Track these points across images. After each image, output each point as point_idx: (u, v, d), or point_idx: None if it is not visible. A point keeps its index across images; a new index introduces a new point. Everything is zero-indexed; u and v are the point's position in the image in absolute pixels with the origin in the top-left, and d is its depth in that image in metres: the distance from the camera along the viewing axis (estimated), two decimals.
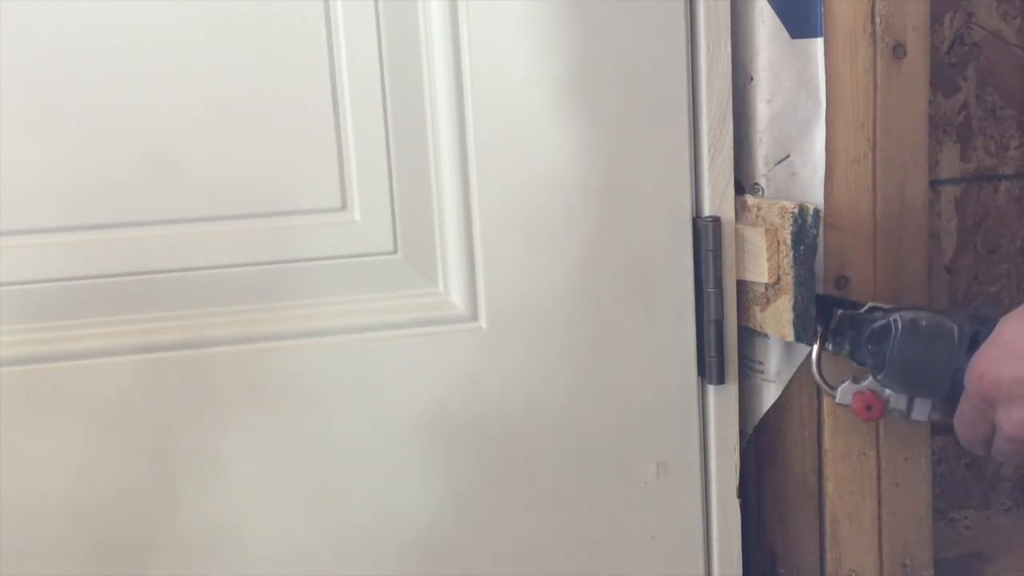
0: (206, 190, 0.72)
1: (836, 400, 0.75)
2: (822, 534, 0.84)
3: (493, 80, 0.72)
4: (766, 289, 0.76)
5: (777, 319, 0.76)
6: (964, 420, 0.68)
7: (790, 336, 0.75)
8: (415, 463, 0.76)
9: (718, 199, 0.76)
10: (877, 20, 0.75)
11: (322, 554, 0.76)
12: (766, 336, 0.79)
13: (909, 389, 0.73)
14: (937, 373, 0.70)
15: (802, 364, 0.80)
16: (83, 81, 0.69)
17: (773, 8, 0.75)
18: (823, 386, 0.76)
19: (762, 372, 0.81)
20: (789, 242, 0.73)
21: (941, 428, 0.97)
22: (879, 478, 0.82)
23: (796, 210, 0.73)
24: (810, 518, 0.84)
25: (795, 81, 0.75)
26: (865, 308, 0.74)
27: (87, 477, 0.73)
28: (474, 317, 0.75)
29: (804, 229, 0.73)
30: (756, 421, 0.82)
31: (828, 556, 0.84)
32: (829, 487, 0.82)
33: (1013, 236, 0.95)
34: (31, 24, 0.68)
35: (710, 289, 0.76)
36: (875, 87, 0.76)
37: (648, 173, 0.75)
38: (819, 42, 0.75)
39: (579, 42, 0.73)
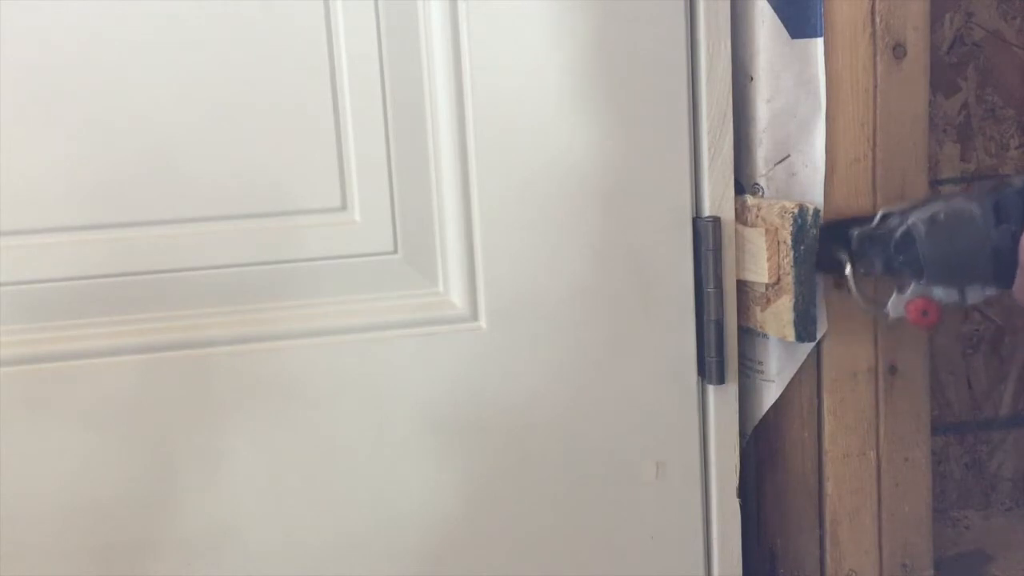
0: (206, 190, 0.72)
1: (890, 316, 0.73)
2: (822, 534, 0.84)
3: (493, 80, 0.72)
4: (766, 289, 0.76)
5: (777, 319, 0.76)
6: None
7: (791, 336, 0.75)
8: (415, 463, 0.76)
9: (718, 199, 0.76)
10: (877, 20, 0.75)
11: (322, 554, 0.76)
12: (766, 336, 0.79)
13: (955, 281, 0.71)
14: (976, 256, 0.68)
15: (803, 364, 0.80)
16: (83, 81, 0.69)
17: (773, 8, 0.75)
18: (870, 309, 0.75)
19: (762, 372, 0.81)
20: (789, 242, 0.73)
21: (941, 428, 0.98)
22: (879, 478, 0.82)
23: (796, 210, 0.73)
24: (810, 518, 0.84)
25: (795, 81, 0.75)
26: (877, 220, 0.73)
27: (87, 477, 0.73)
28: (474, 317, 0.75)
29: (804, 229, 0.73)
30: (756, 421, 0.82)
31: (828, 556, 0.84)
32: (829, 487, 0.82)
33: None
34: (31, 24, 0.68)
35: (710, 289, 0.76)
36: (875, 87, 0.76)
37: (648, 173, 0.75)
38: (819, 42, 0.75)
39: (579, 42, 0.73)
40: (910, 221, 0.70)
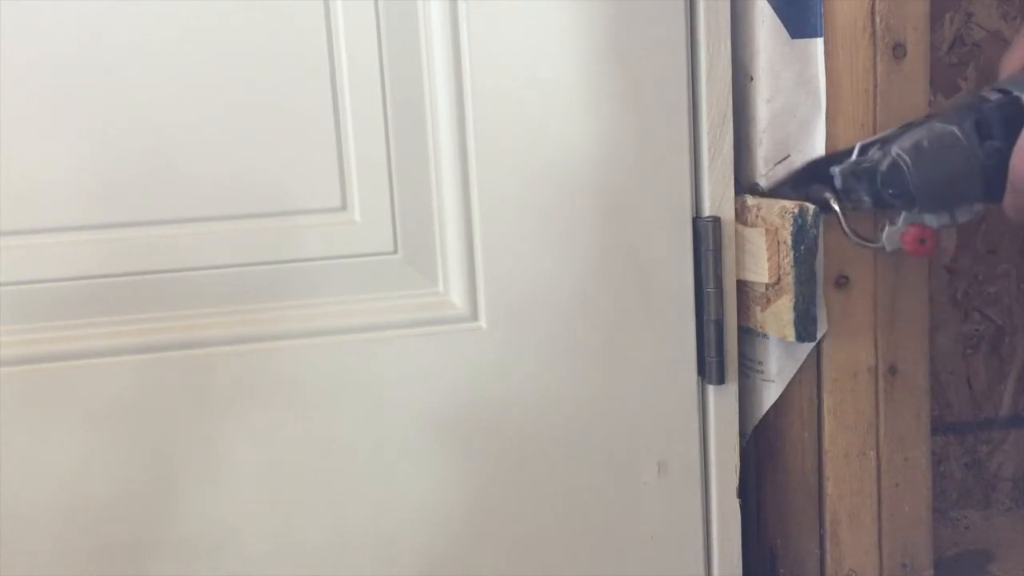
0: (206, 190, 0.72)
1: (887, 250, 0.73)
2: (822, 534, 0.84)
3: (493, 80, 0.72)
4: (766, 289, 0.76)
5: (777, 319, 0.76)
6: (1016, 206, 0.67)
7: (791, 336, 0.75)
8: (415, 462, 0.76)
9: (718, 199, 0.76)
10: (877, 20, 0.75)
11: (322, 554, 0.76)
12: (766, 336, 0.79)
13: (946, 206, 0.70)
14: (965, 179, 0.68)
15: (803, 364, 0.80)
16: (83, 81, 0.69)
17: (773, 8, 0.75)
18: (863, 243, 0.74)
19: (762, 372, 0.81)
20: (789, 242, 0.73)
21: (941, 428, 0.98)
22: (879, 478, 0.82)
23: (796, 210, 0.73)
24: (810, 518, 0.84)
25: (795, 81, 0.75)
26: (856, 152, 0.73)
27: (87, 477, 0.73)
28: (474, 317, 0.75)
29: (804, 229, 0.73)
30: (756, 421, 0.82)
31: (828, 556, 0.84)
32: (829, 487, 0.82)
33: (1013, 236, 0.95)
34: (31, 24, 0.68)
35: (710, 289, 0.76)
36: (875, 87, 0.76)
37: (648, 173, 0.75)
38: (819, 42, 0.75)
39: (579, 42, 0.73)
40: (894, 152, 0.69)
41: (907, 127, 0.71)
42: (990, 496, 1.01)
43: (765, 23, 0.75)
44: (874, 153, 0.71)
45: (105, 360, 0.72)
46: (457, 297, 0.75)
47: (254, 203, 0.73)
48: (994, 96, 0.67)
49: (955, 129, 0.68)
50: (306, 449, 0.75)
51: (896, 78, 0.76)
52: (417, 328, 0.75)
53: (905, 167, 0.69)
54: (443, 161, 0.74)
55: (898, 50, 0.76)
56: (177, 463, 0.74)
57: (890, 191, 0.70)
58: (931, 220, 0.71)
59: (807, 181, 0.74)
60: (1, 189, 0.70)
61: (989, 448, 1.00)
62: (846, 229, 0.74)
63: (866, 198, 0.72)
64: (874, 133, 0.76)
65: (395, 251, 0.75)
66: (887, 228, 0.73)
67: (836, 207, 0.73)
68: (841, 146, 0.76)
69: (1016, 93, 0.66)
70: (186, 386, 0.73)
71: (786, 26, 0.75)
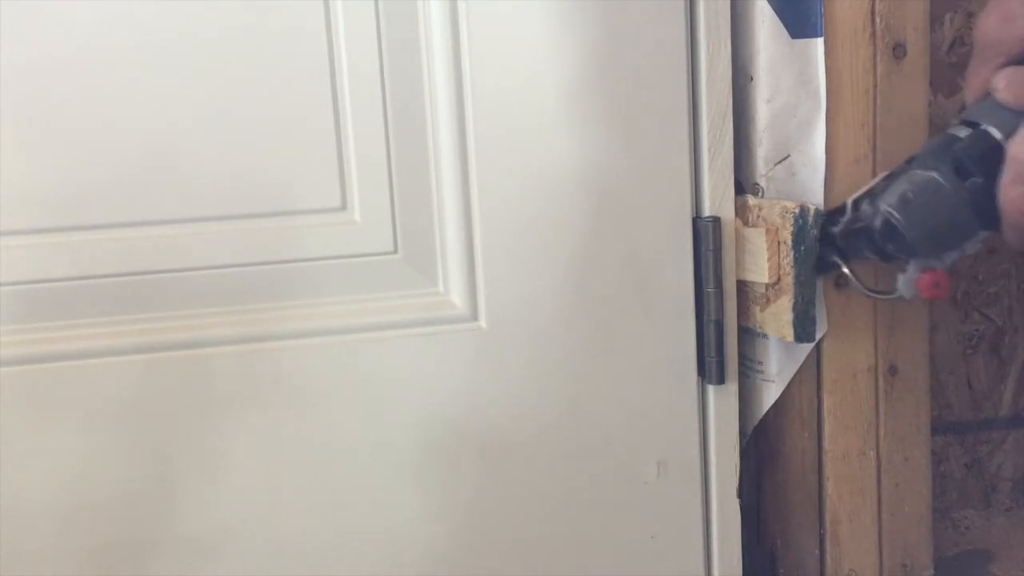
0: (206, 190, 0.72)
1: (906, 298, 0.73)
2: (822, 534, 0.84)
3: (493, 80, 0.72)
4: (766, 289, 0.76)
5: (777, 319, 0.76)
6: (1017, 239, 0.67)
7: (790, 336, 0.75)
8: (415, 462, 0.76)
9: (718, 199, 0.76)
10: (877, 20, 0.75)
11: (322, 554, 0.76)
12: (766, 336, 0.79)
13: (949, 246, 0.70)
14: (958, 219, 0.68)
15: (803, 364, 0.80)
16: (83, 81, 0.69)
17: (773, 8, 0.75)
18: (880, 297, 0.75)
19: (762, 372, 0.81)
20: (790, 242, 0.73)
21: (941, 428, 0.98)
22: (879, 478, 0.82)
23: (797, 211, 0.73)
24: (810, 518, 0.84)
25: (795, 81, 0.75)
26: (849, 209, 0.73)
27: (87, 477, 0.73)
28: (474, 317, 0.75)
29: (805, 230, 0.73)
30: (756, 421, 0.82)
31: (828, 556, 0.84)
32: (829, 487, 0.82)
33: None
34: (31, 25, 0.68)
35: (710, 289, 0.76)
36: (875, 87, 0.76)
37: (648, 173, 0.75)
38: (819, 42, 0.75)
39: (579, 42, 0.73)
40: (883, 209, 0.70)
41: (890, 177, 0.71)
42: (990, 496, 1.01)
43: (765, 23, 0.75)
44: (865, 209, 0.71)
45: (105, 360, 0.72)
46: (457, 297, 0.75)
47: (254, 203, 0.73)
48: (964, 132, 0.67)
49: (935, 174, 0.68)
50: (306, 449, 0.75)
51: (896, 78, 0.76)
52: (417, 328, 0.75)
53: (896, 222, 0.69)
54: (443, 161, 0.74)
55: (898, 50, 0.76)
56: (177, 463, 0.74)
57: (890, 246, 0.71)
58: (939, 262, 0.71)
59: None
60: (1, 189, 0.70)
61: (989, 448, 1.00)
62: (860, 287, 0.74)
63: (870, 254, 0.72)
64: (874, 133, 0.76)
65: (395, 251, 0.75)
66: (900, 277, 0.73)
67: (845, 269, 0.74)
68: (840, 149, 0.76)
69: (984, 125, 0.66)
70: (186, 386, 0.73)
71: (786, 26, 0.75)
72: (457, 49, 0.72)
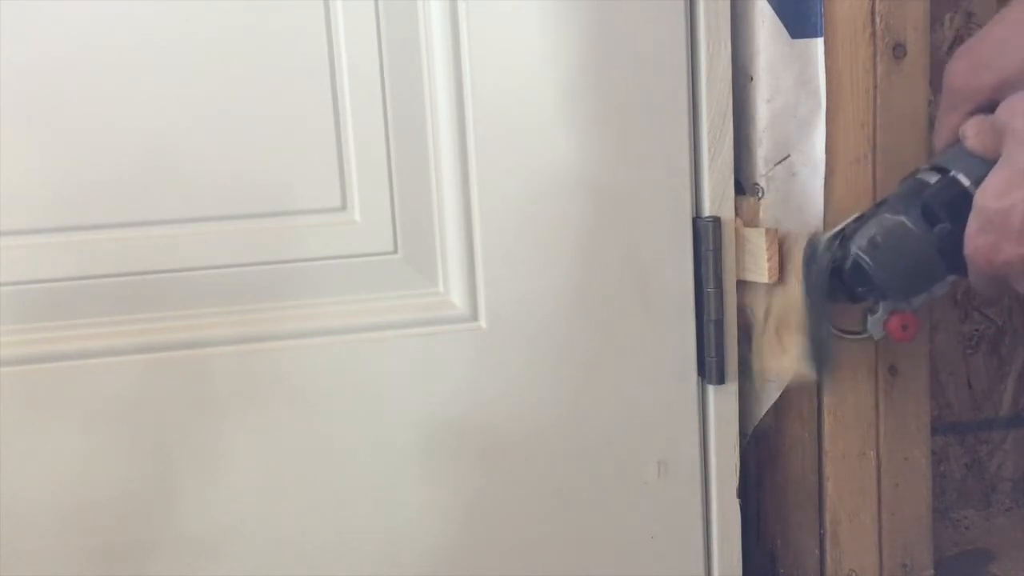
0: (206, 190, 0.72)
1: (875, 339, 0.75)
2: (822, 534, 0.84)
3: (493, 80, 0.72)
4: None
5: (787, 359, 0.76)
6: (982, 285, 0.68)
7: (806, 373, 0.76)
8: (415, 462, 0.76)
9: (718, 199, 0.76)
10: (877, 20, 0.75)
11: (322, 554, 0.76)
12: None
13: (917, 289, 0.71)
14: (925, 264, 0.69)
15: None
16: (83, 81, 0.69)
17: (773, 8, 0.75)
18: (852, 338, 0.76)
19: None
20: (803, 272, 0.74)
21: (941, 428, 0.98)
22: (879, 478, 0.82)
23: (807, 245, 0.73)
24: (810, 518, 0.84)
25: (795, 81, 0.75)
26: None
27: (87, 477, 0.73)
28: (474, 317, 0.75)
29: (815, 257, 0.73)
30: (756, 421, 0.82)
31: (828, 556, 0.84)
32: (829, 487, 0.82)
33: None
34: (32, 25, 0.68)
35: (710, 289, 0.76)
36: (875, 87, 0.76)
37: (648, 173, 0.75)
38: (819, 42, 0.75)
39: (579, 42, 0.73)
40: (853, 251, 0.71)
41: (861, 219, 0.72)
42: (990, 496, 1.01)
43: (765, 23, 0.75)
44: (835, 250, 0.72)
45: (105, 360, 0.72)
46: (457, 297, 0.75)
47: (254, 203, 0.73)
48: (933, 178, 0.68)
49: (904, 219, 0.69)
50: (306, 449, 0.75)
51: (896, 78, 0.76)
52: (417, 328, 0.75)
53: (866, 265, 0.70)
54: (443, 161, 0.74)
55: (898, 50, 0.76)
56: (177, 463, 0.74)
57: (859, 289, 0.71)
58: (908, 304, 0.73)
59: None
60: (1, 189, 0.70)
61: (989, 448, 1.00)
62: (832, 328, 0.75)
63: (841, 295, 0.73)
64: (874, 133, 0.76)
65: (395, 251, 0.75)
66: (870, 319, 0.74)
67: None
68: (840, 147, 0.76)
69: (952, 172, 0.67)
70: (186, 386, 0.73)
71: (786, 26, 0.75)
72: (457, 49, 0.72)
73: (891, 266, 0.69)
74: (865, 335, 0.75)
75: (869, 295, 0.72)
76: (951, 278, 0.70)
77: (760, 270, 0.76)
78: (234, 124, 0.71)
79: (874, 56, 0.76)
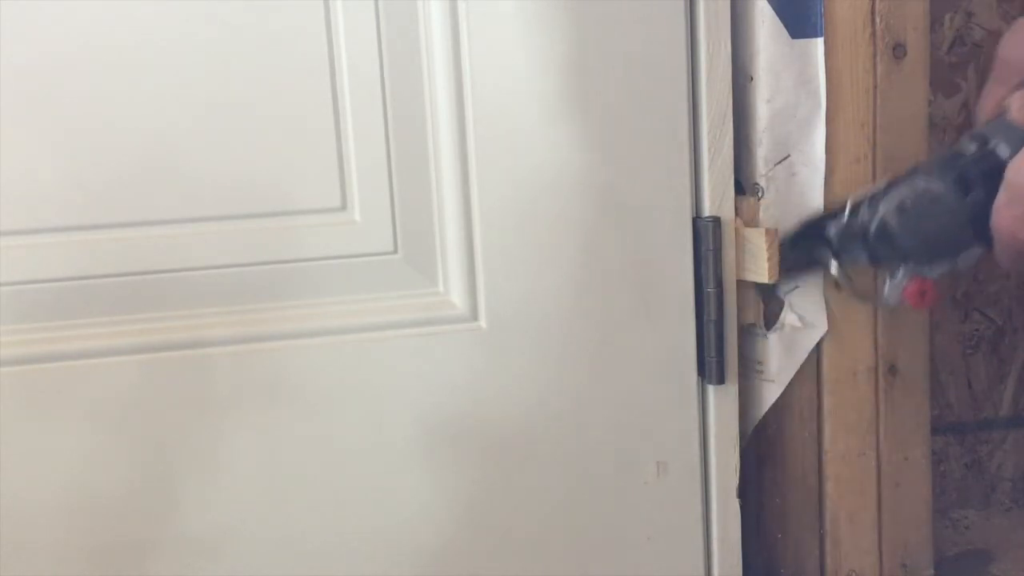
0: (206, 190, 0.72)
1: (890, 305, 0.74)
2: (822, 534, 0.84)
3: (493, 80, 0.72)
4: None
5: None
6: (1008, 260, 0.67)
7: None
8: (415, 462, 0.76)
9: (718, 199, 0.76)
10: (877, 20, 0.75)
11: (322, 554, 0.76)
12: (766, 336, 0.79)
13: (941, 258, 0.71)
14: (953, 232, 0.68)
15: (803, 364, 0.80)
16: (83, 81, 0.69)
17: (773, 8, 0.75)
18: (868, 301, 0.75)
19: (762, 372, 0.81)
20: None
21: (941, 428, 0.98)
22: (879, 478, 0.82)
23: None
24: (810, 518, 0.84)
25: (795, 81, 0.75)
26: (847, 211, 0.73)
27: (87, 477, 0.73)
28: (474, 317, 0.75)
29: None
30: (756, 421, 0.82)
31: (828, 556, 0.84)
32: (829, 487, 0.82)
33: None
34: (31, 25, 0.68)
35: (710, 289, 0.76)
36: (875, 87, 0.76)
37: (648, 173, 0.75)
38: (819, 42, 0.75)
39: (579, 43, 0.73)
40: (880, 213, 0.70)
41: (892, 183, 0.71)
42: (990, 496, 1.01)
43: (765, 23, 0.75)
44: (863, 212, 0.72)
45: (105, 360, 0.72)
46: (457, 297, 0.75)
47: (254, 203, 0.73)
48: (972, 148, 0.68)
49: (937, 186, 0.68)
50: (306, 449, 0.75)
51: (896, 78, 0.76)
52: (417, 328, 0.75)
53: (892, 228, 0.70)
54: (443, 161, 0.74)
55: (898, 50, 0.76)
56: (177, 463, 0.74)
57: (882, 251, 0.71)
58: (930, 271, 0.72)
59: (805, 240, 0.75)
60: (1, 189, 0.70)
61: (989, 448, 1.00)
62: (845, 288, 0.75)
63: (862, 256, 0.73)
64: (874, 133, 0.76)
65: (395, 251, 0.75)
66: (888, 282, 0.74)
67: (834, 271, 0.74)
68: (840, 149, 0.76)
69: (992, 143, 0.67)
70: (186, 386, 0.73)
71: (786, 26, 0.75)
72: (457, 49, 0.72)
73: (918, 231, 0.69)
74: (881, 300, 0.74)
75: (892, 259, 0.71)
76: (977, 251, 0.69)
77: (760, 270, 0.76)
78: (234, 124, 0.71)
79: (874, 56, 0.76)
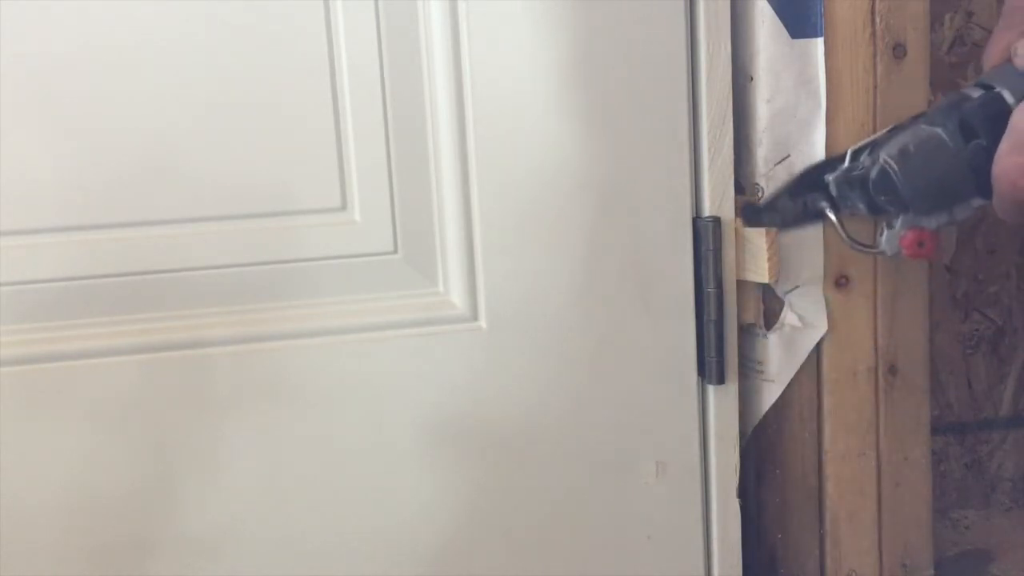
0: (206, 190, 0.72)
1: (887, 254, 0.74)
2: (822, 534, 0.84)
3: (493, 80, 0.72)
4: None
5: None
6: (1004, 210, 0.66)
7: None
8: (415, 462, 0.76)
9: (718, 199, 0.76)
10: (877, 20, 0.75)
11: (322, 554, 0.76)
12: (766, 336, 0.79)
13: (941, 206, 0.70)
14: (954, 179, 0.68)
15: (803, 364, 0.80)
16: (83, 81, 0.69)
17: (773, 8, 0.75)
18: (863, 249, 0.75)
19: (762, 372, 0.81)
20: None
21: (941, 428, 0.98)
22: (879, 478, 0.82)
23: None
24: (810, 518, 0.84)
25: (795, 81, 0.75)
26: (848, 159, 0.73)
27: (87, 477, 0.73)
28: (474, 317, 0.75)
29: None
30: (756, 421, 0.82)
31: (828, 556, 0.84)
32: (829, 487, 0.82)
33: (1013, 236, 0.95)
34: (32, 24, 0.68)
35: (710, 289, 0.76)
36: (875, 87, 0.76)
37: (648, 173, 0.75)
38: (819, 42, 0.75)
39: (579, 43, 0.73)
40: (882, 159, 0.69)
41: (895, 130, 0.71)
42: (990, 496, 1.01)
43: (765, 23, 0.75)
44: (864, 160, 0.71)
45: (105, 360, 0.72)
46: (457, 297, 0.75)
47: (254, 203, 0.73)
48: (977, 93, 0.67)
49: (940, 131, 0.67)
50: (306, 449, 0.75)
51: (896, 78, 0.76)
52: (417, 328, 0.75)
53: (893, 173, 0.69)
54: (443, 161, 0.74)
55: (898, 50, 0.76)
56: (177, 463, 0.74)
57: (882, 197, 0.70)
58: (928, 221, 0.71)
59: (803, 190, 0.75)
60: (1, 189, 0.70)
61: (989, 448, 1.00)
62: (844, 237, 0.74)
63: (861, 205, 0.72)
64: (874, 133, 0.76)
65: (395, 251, 0.75)
66: (885, 232, 0.73)
67: (832, 217, 0.74)
68: (841, 147, 0.76)
69: (998, 88, 0.66)
70: (186, 386, 0.73)
71: (786, 26, 0.75)
72: (457, 49, 0.72)
73: (919, 177, 0.68)
74: (878, 249, 0.74)
75: (891, 206, 0.71)
76: (977, 202, 0.69)
77: (760, 270, 0.76)
78: (234, 124, 0.71)
79: (874, 56, 0.76)
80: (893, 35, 0.75)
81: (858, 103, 0.76)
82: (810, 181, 0.75)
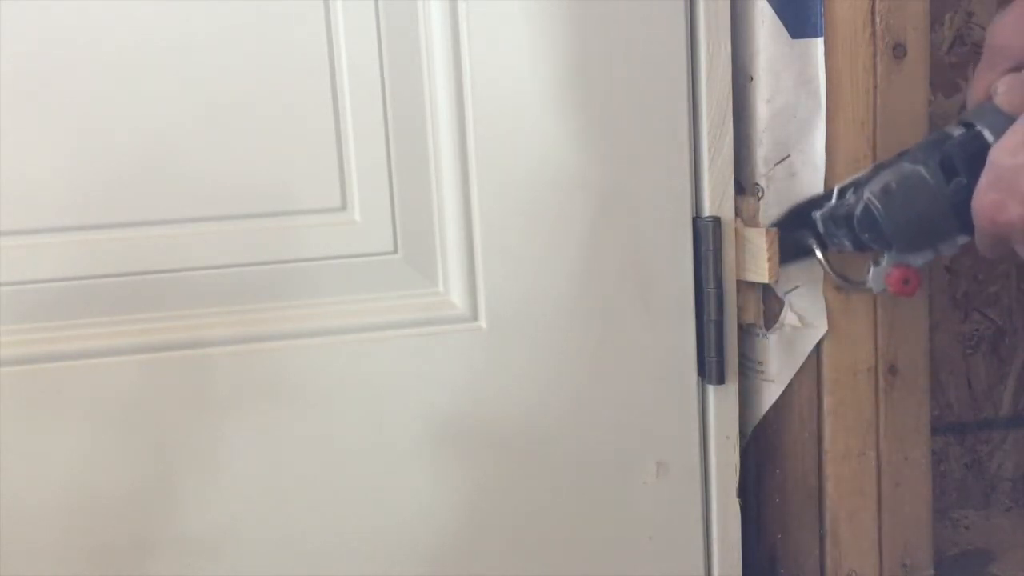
0: (206, 190, 0.72)
1: (874, 291, 0.74)
2: (822, 534, 0.84)
3: (493, 80, 0.72)
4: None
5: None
6: (985, 245, 0.67)
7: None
8: (415, 462, 0.76)
9: (718, 199, 0.76)
10: (877, 20, 0.75)
11: (322, 554, 0.76)
12: (766, 336, 0.79)
13: (924, 244, 0.71)
14: (936, 218, 0.68)
15: (803, 364, 0.80)
16: (83, 81, 0.69)
17: (773, 8, 0.75)
18: (849, 286, 0.75)
19: (762, 372, 0.81)
20: None
21: (941, 428, 0.98)
22: (879, 478, 0.82)
23: None
24: (810, 518, 0.84)
25: (795, 81, 0.75)
26: (835, 196, 0.73)
27: (87, 477, 0.73)
28: (474, 317, 0.75)
29: None
30: (756, 421, 0.82)
31: (828, 556, 0.84)
32: (829, 487, 0.82)
33: None
34: (31, 24, 0.68)
35: (710, 289, 0.76)
36: (875, 87, 0.76)
37: (648, 173, 0.75)
38: (819, 42, 0.75)
39: (579, 43, 0.73)
40: (865, 197, 0.70)
41: (879, 167, 0.72)
42: (990, 496, 1.01)
43: (765, 23, 0.75)
44: (850, 197, 0.72)
45: (105, 360, 0.72)
46: (457, 297, 0.75)
47: (254, 203, 0.73)
48: (958, 131, 0.68)
49: (921, 169, 0.68)
50: (306, 449, 0.75)
51: (896, 78, 0.76)
52: (417, 328, 0.75)
53: (876, 211, 0.70)
54: (443, 161, 0.74)
55: (898, 50, 0.76)
56: (177, 463, 0.74)
57: (867, 235, 0.71)
58: (914, 259, 0.72)
59: (793, 226, 0.75)
60: (1, 189, 0.70)
61: (989, 448, 1.00)
62: (830, 273, 0.75)
63: (847, 242, 0.73)
64: (874, 133, 0.76)
65: (395, 251, 0.75)
66: (872, 270, 0.74)
67: (819, 255, 0.74)
68: (841, 147, 0.76)
69: (979, 127, 0.67)
70: (186, 386, 0.73)
71: (786, 26, 0.75)
72: (457, 49, 0.72)
73: (902, 215, 0.69)
74: (865, 286, 0.74)
75: (876, 244, 0.71)
76: (961, 239, 0.69)
77: (760, 270, 0.76)
78: (234, 124, 0.71)
79: (874, 56, 0.76)
80: (893, 35, 0.75)
81: (858, 103, 0.76)
82: (799, 218, 0.75)
